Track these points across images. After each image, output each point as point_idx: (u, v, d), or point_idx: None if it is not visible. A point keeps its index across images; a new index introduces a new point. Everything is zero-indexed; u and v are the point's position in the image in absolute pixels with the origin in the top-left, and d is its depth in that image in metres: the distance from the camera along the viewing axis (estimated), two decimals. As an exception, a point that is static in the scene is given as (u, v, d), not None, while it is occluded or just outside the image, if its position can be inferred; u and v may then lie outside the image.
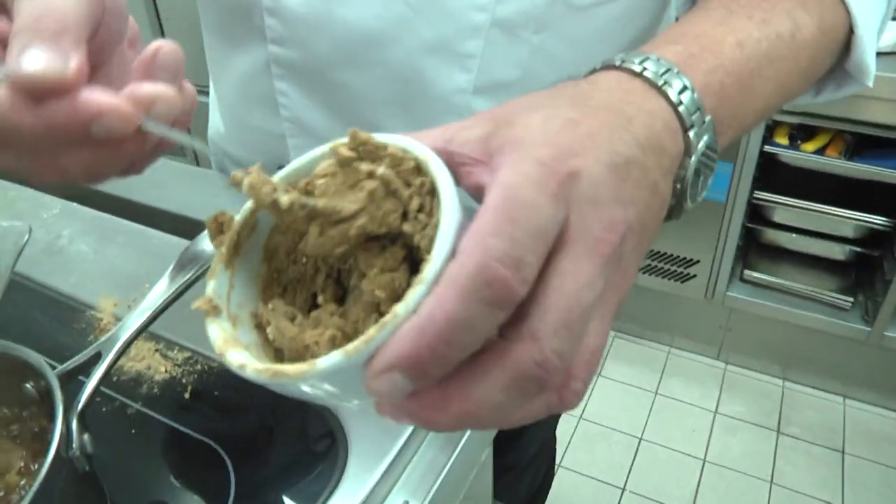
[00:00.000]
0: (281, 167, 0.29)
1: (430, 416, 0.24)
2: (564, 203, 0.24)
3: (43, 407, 0.47)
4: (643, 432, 1.71)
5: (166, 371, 0.56)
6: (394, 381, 0.23)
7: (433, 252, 0.24)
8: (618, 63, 0.31)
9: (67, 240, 0.76)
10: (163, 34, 2.00)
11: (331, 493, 0.46)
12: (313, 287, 0.30)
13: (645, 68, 0.30)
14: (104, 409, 0.54)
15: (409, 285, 0.24)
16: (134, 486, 0.49)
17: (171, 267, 0.48)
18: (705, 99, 0.31)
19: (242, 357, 0.26)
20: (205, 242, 0.49)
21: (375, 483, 0.47)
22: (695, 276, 1.72)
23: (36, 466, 0.45)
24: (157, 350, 0.59)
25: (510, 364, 0.23)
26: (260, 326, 0.29)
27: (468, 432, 0.51)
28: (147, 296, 0.47)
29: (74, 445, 0.41)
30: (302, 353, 0.26)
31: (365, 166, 0.27)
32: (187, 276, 0.47)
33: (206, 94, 0.91)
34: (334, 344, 0.26)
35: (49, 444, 0.40)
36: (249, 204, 0.28)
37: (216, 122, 0.80)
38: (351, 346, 0.23)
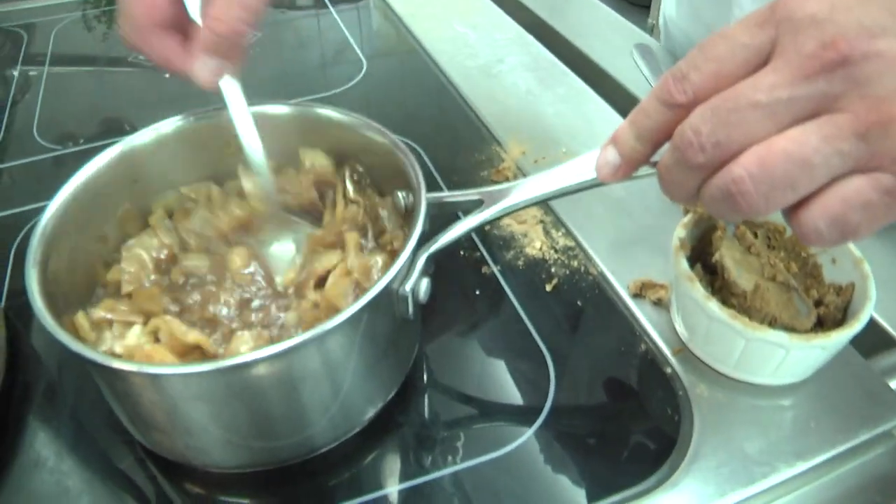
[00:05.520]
0: None
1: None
2: (771, 28, 0.26)
3: (406, 223, 0.41)
4: None
5: (540, 249, 0.47)
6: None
7: None
8: None
9: (508, 67, 0.69)
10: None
11: (656, 484, 0.34)
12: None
13: None
14: (462, 253, 0.47)
15: None
16: (445, 346, 0.42)
17: (600, 147, 0.35)
18: None
19: (705, 293, 0.37)
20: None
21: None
22: None
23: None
24: (542, 221, 0.49)
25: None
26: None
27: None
28: (562, 165, 0.35)
29: (408, 286, 0.33)
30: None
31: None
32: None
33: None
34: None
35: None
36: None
37: (670, 5, 0.77)
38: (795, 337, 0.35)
